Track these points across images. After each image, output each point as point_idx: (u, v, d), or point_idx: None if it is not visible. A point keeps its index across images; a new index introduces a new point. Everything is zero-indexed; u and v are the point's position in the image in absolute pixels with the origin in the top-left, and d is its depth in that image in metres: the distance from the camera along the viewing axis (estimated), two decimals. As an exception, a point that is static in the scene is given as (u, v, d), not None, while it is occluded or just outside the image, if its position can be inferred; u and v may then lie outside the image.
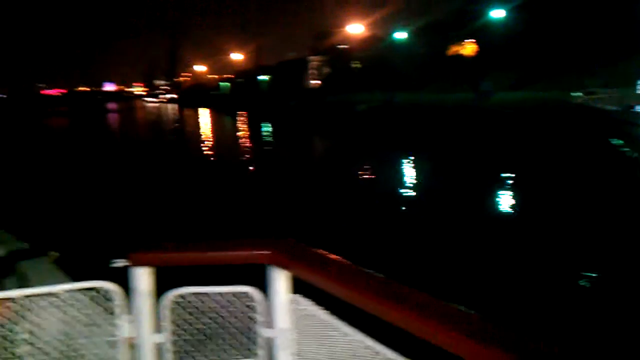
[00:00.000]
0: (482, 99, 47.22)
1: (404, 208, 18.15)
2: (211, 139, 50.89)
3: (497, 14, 60.56)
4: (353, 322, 2.12)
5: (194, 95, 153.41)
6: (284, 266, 2.33)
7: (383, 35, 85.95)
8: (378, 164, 28.52)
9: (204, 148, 43.00)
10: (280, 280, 2.36)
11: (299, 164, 29.99)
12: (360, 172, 25.92)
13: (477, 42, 63.55)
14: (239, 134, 55.17)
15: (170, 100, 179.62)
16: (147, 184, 24.12)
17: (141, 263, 2.41)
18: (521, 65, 51.83)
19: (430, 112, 46.06)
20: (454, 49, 67.57)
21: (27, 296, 2.35)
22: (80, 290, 2.39)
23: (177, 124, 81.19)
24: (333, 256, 2.29)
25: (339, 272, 2.11)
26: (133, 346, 2.48)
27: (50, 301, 2.42)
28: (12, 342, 2.44)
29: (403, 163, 28.16)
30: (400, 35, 75.98)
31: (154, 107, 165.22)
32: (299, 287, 2.39)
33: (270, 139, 49.36)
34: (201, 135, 56.44)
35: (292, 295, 2.34)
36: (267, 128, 58.68)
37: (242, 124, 68.63)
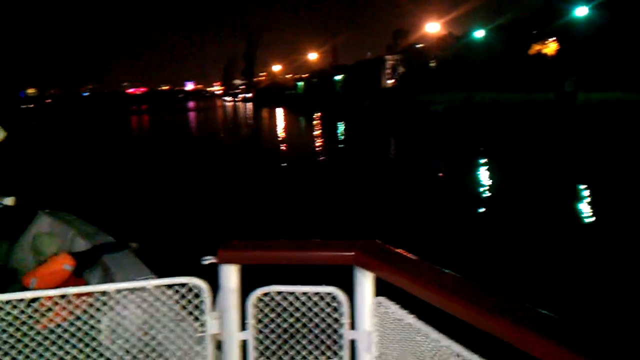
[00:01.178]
0: (566, 99, 45.68)
1: (480, 210, 17.77)
2: (284, 139, 51.42)
3: (581, 11, 58.46)
4: (440, 328, 2.08)
5: (270, 94, 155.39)
6: (368, 268, 2.31)
7: (461, 33, 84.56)
8: (455, 165, 28.03)
9: (280, 147, 43.53)
10: (365, 281, 2.35)
11: (374, 165, 29.83)
12: (437, 174, 25.58)
13: (560, 41, 61.54)
14: (313, 134, 55.46)
15: (247, 100, 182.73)
16: (222, 182, 24.63)
17: (229, 260, 2.44)
18: (605, 66, 49.83)
19: (510, 112, 44.93)
20: (536, 48, 65.63)
21: (119, 290, 2.43)
22: (169, 285, 2.45)
23: (251, 123, 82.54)
24: (418, 259, 2.26)
25: (426, 275, 2.07)
26: (218, 343, 2.52)
27: (140, 295, 2.49)
28: (98, 333, 2.52)
29: (482, 165, 27.52)
30: (479, 33, 74.47)
31: (230, 106, 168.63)
32: (384, 289, 2.37)
33: (344, 139, 49.38)
34: (274, 134, 57.18)
35: (377, 298, 2.32)
36: (341, 128, 58.75)
37: (316, 124, 68.99)
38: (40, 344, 2.40)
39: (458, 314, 1.87)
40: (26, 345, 2.39)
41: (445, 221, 15.81)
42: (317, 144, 44.51)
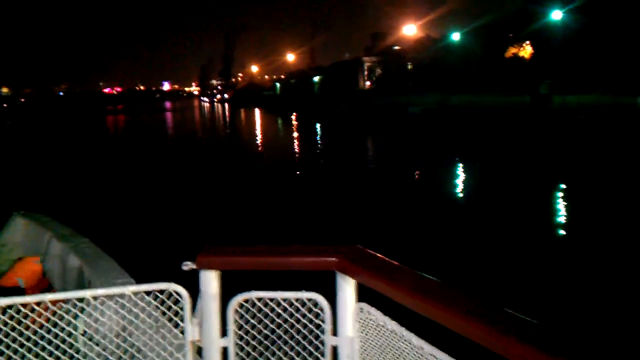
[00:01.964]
0: (541, 102, 46.17)
1: (457, 213, 17.88)
2: (260, 140, 51.32)
3: (556, 15, 59.14)
4: (421, 333, 2.08)
5: (247, 95, 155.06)
6: (350, 273, 2.30)
7: (438, 36, 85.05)
8: (431, 168, 28.17)
9: (256, 148, 43.44)
10: (347, 287, 2.33)
11: (350, 166, 29.88)
12: (413, 176, 25.70)
13: (535, 44, 62.21)
14: (289, 135, 55.43)
15: (224, 100, 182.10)
16: (199, 184, 24.49)
17: (209, 266, 2.42)
18: (581, 69, 50.49)
19: (487, 115, 45.30)
20: (512, 51, 66.28)
21: (96, 297, 2.39)
22: (148, 292, 2.41)
23: (228, 123, 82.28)
24: (399, 264, 2.25)
25: (407, 280, 2.07)
26: (199, 349, 2.49)
27: (118, 301, 2.45)
28: (75, 339, 2.48)
29: (457, 168, 27.71)
30: (456, 36, 74.99)
31: (208, 106, 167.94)
32: (368, 296, 2.36)
33: (319, 141, 49.40)
34: (251, 135, 57.06)
35: (359, 304, 2.31)
36: (317, 130, 58.80)
37: (293, 125, 68.97)
38: (16, 351, 2.35)
39: (438, 319, 1.86)
40: (3, 351, 2.34)
41: (420, 224, 15.88)
42: (293, 145, 44.48)
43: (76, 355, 2.48)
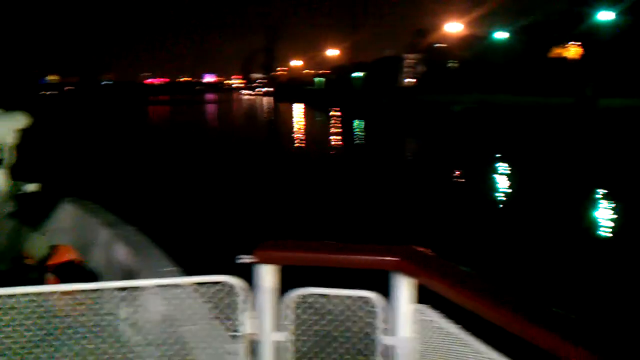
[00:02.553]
0: (586, 104, 45.18)
1: (497, 214, 17.63)
2: (301, 135, 51.41)
3: (604, 15, 57.73)
4: (482, 337, 2.04)
5: (289, 89, 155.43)
6: (410, 274, 2.27)
7: (482, 34, 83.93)
8: (472, 168, 27.81)
9: (296, 143, 43.57)
10: (405, 288, 2.31)
11: (391, 164, 29.72)
12: (454, 175, 25.42)
13: (582, 45, 60.95)
14: (330, 130, 55.44)
15: (266, 94, 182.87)
16: (240, 179, 24.62)
17: (267, 261, 2.42)
18: (628, 71, 49.29)
19: (529, 116, 44.54)
20: (556, 51, 65.07)
21: (158, 286, 2.41)
22: (206, 283, 2.42)
23: (271, 118, 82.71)
24: (457, 266, 2.22)
25: (472, 283, 2.03)
26: (253, 343, 2.49)
27: (175, 292, 2.46)
28: (122, 324, 2.50)
29: (499, 169, 27.27)
30: (500, 35, 73.91)
31: (249, 100, 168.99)
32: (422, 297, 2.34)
33: (361, 137, 49.25)
34: (292, 130, 57.22)
35: (418, 305, 2.29)
36: (358, 126, 58.65)
37: (334, 120, 68.96)
38: (61, 335, 2.38)
39: (502, 324, 1.83)
40: (47, 335, 2.38)
41: (459, 224, 15.70)
42: (334, 141, 44.47)
43: (121, 340, 2.50)
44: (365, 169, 27.69)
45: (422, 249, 2.38)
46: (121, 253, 6.07)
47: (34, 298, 2.35)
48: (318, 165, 28.42)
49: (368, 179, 23.94)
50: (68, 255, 5.60)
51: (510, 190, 21.96)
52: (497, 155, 30.41)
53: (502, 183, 23.80)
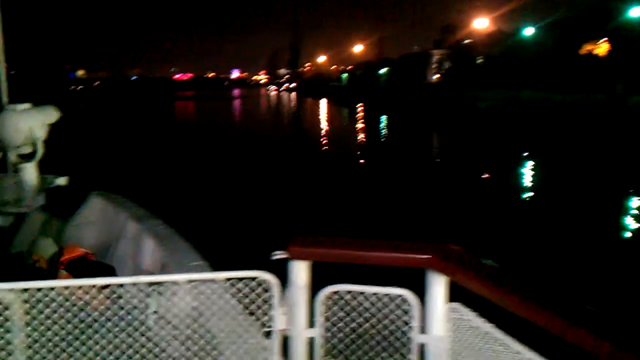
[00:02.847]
0: (617, 101, 44.42)
1: (527, 214, 17.44)
2: (326, 132, 51.37)
3: (636, 12, 56.70)
4: (514, 334, 2.01)
5: (314, 85, 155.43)
6: (444, 272, 2.25)
7: (510, 30, 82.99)
8: (500, 166, 27.50)
9: (321, 140, 43.55)
10: (439, 286, 2.29)
11: (415, 161, 29.55)
12: (481, 174, 25.16)
13: (612, 42, 59.92)
14: (355, 126, 55.31)
15: (290, 90, 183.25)
16: (262, 174, 24.69)
17: (300, 256, 2.41)
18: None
19: (559, 113, 43.95)
20: (587, 48, 64.05)
21: (190, 281, 2.41)
22: (239, 278, 2.42)
23: (296, 114, 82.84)
24: (492, 264, 2.19)
25: (507, 282, 2.00)
26: (285, 338, 2.49)
27: (205, 287, 2.45)
28: (148, 318, 2.50)
29: (528, 167, 26.89)
30: (528, 31, 72.98)
31: (274, 96, 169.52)
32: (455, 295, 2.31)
33: (385, 134, 49.05)
34: (317, 126, 57.21)
35: (452, 303, 2.26)
36: (383, 123, 58.42)
37: (359, 116, 68.79)
38: (89, 327, 2.39)
39: (539, 323, 1.80)
40: (75, 328, 2.38)
41: (489, 222, 15.56)
42: (359, 138, 44.37)
43: (147, 334, 2.50)
44: (392, 166, 27.55)
45: (456, 247, 2.34)
46: (149, 246, 6.08)
47: (63, 292, 2.35)
48: (345, 163, 28.33)
49: (394, 178, 23.82)
50: (78, 251, 5.61)
51: (539, 189, 21.68)
52: (526, 154, 30.00)
53: (532, 182, 23.52)
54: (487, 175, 25.00)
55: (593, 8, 62.23)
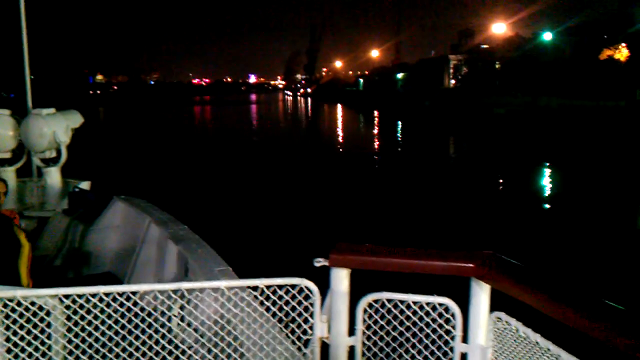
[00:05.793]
0: (637, 107, 43.93)
1: (545, 220, 17.27)
2: (342, 137, 51.34)
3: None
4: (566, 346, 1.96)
5: (330, 90, 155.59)
6: (489, 281, 2.20)
7: (528, 35, 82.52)
8: (517, 173, 27.20)
9: (337, 145, 43.52)
10: (483, 295, 2.24)
11: (430, 168, 29.37)
12: (498, 181, 24.94)
13: (632, 47, 59.35)
14: (371, 132, 55.23)
15: (307, 95, 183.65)
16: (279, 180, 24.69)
17: (341, 264, 2.37)
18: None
19: (578, 119, 43.48)
20: (607, 53, 63.48)
21: (230, 288, 2.38)
22: (280, 285, 2.38)
23: (310, 119, 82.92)
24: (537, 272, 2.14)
25: (560, 292, 1.95)
26: (325, 346, 2.45)
27: (239, 294, 2.43)
28: (174, 326, 2.47)
29: (547, 175, 26.59)
30: (547, 36, 72.50)
31: (291, 100, 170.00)
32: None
33: (401, 140, 48.89)
34: (333, 131, 57.23)
35: (496, 312, 2.21)
36: (399, 128, 58.26)
37: (375, 122, 68.72)
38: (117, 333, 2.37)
39: (591, 334, 1.75)
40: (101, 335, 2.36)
41: (508, 228, 15.44)
42: (374, 144, 44.28)
43: (175, 340, 2.47)
44: (411, 172, 27.43)
45: (500, 256, 2.30)
46: (173, 251, 6.05)
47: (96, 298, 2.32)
48: (362, 170, 28.28)
49: (412, 183, 23.72)
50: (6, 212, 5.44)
51: (557, 196, 21.48)
52: (546, 163, 29.67)
53: (550, 188, 23.30)
54: (509, 183, 24.77)
55: (612, 13, 61.77)
